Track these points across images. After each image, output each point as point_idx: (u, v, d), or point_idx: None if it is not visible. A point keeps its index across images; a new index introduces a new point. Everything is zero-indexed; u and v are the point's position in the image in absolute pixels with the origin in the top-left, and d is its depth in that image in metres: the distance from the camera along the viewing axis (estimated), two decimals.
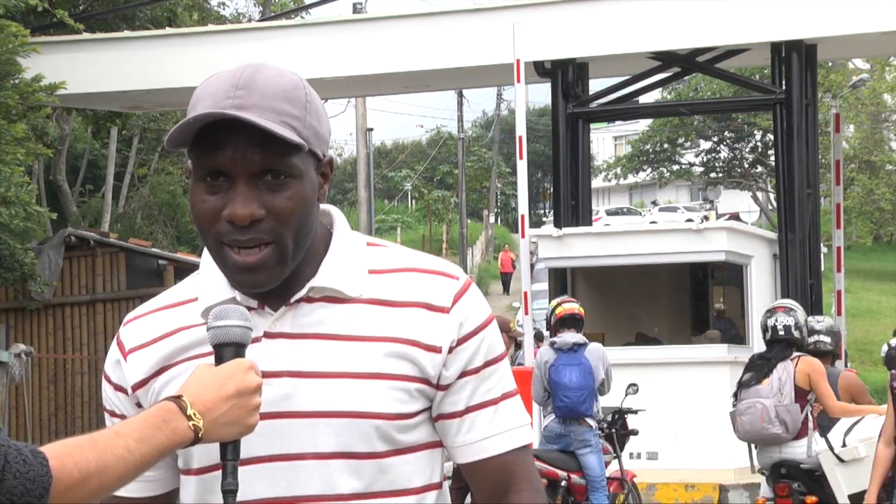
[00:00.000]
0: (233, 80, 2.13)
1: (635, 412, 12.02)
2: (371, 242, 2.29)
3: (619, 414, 12.03)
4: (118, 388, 2.30)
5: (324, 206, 2.26)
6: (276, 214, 2.11)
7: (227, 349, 2.06)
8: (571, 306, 11.66)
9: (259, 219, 2.11)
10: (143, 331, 2.29)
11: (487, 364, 2.24)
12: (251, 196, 2.10)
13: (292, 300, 2.19)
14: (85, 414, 19.06)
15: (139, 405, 2.28)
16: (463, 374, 2.22)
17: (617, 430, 11.96)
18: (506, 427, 2.26)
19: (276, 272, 2.14)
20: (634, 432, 12.22)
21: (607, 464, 11.68)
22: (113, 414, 2.33)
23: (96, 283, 19.11)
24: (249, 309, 2.19)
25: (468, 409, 2.24)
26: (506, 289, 44.41)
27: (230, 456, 2.04)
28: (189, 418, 1.99)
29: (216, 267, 2.20)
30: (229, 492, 2.02)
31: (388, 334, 2.18)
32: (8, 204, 16.12)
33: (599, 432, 11.56)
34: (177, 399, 2.01)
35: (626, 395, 11.97)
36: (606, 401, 11.93)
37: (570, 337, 11.43)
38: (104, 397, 2.34)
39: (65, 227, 22.06)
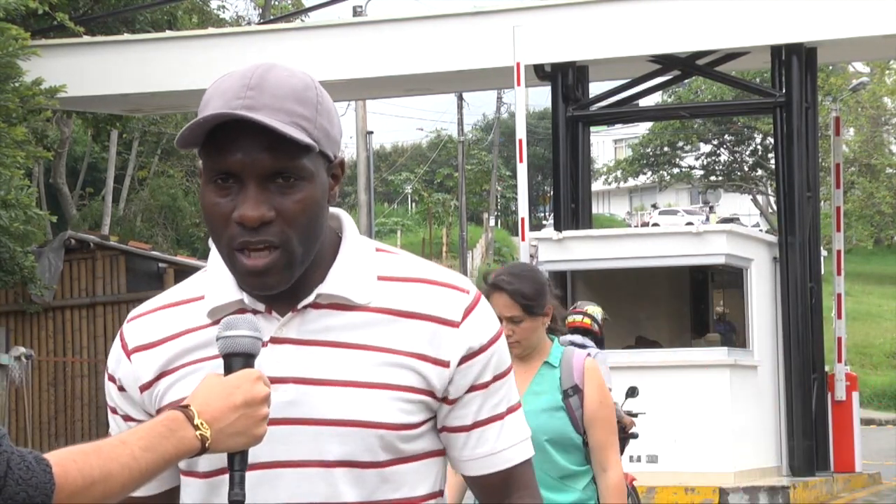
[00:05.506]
0: (243, 80, 2.11)
1: (635, 415, 12.00)
2: (380, 248, 2.27)
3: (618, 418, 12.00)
4: (121, 388, 2.28)
5: (332, 210, 2.24)
6: (286, 217, 2.09)
7: (236, 359, 2.06)
8: (573, 318, 11.67)
9: (269, 221, 2.09)
10: (147, 330, 2.26)
11: (496, 378, 2.23)
12: (261, 198, 2.09)
13: (300, 306, 2.17)
14: (85, 416, 19.06)
15: (143, 407, 2.27)
16: (472, 389, 2.21)
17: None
18: (512, 441, 2.26)
19: (286, 276, 2.12)
20: (634, 436, 12.19)
21: None
22: (115, 411, 2.32)
23: (96, 286, 19.11)
24: (256, 313, 2.18)
25: (476, 424, 2.23)
26: None
27: (237, 466, 2.03)
28: (196, 428, 1.98)
29: (225, 266, 2.18)
30: (237, 502, 2.02)
31: (395, 346, 2.17)
32: (8, 207, 16.13)
33: None
34: (184, 408, 2.00)
35: (626, 398, 11.97)
36: None
37: (570, 336, 11.48)
38: (107, 394, 2.32)
39: (65, 230, 22.06)
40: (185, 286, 2.29)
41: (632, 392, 11.99)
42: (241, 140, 2.09)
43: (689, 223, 49.36)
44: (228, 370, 2.06)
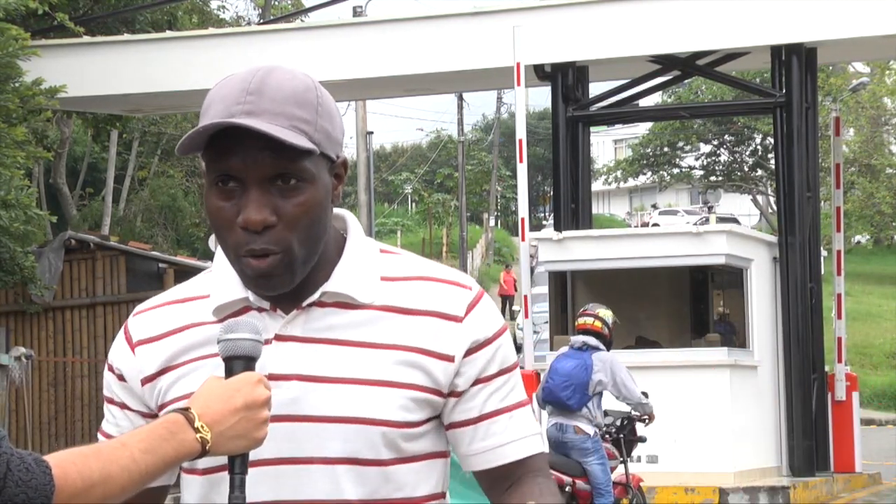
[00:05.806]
0: (244, 85, 2.13)
1: (644, 420, 12.04)
2: (384, 249, 2.29)
3: (629, 420, 12.06)
4: (121, 377, 2.30)
5: (338, 211, 2.27)
6: (288, 221, 2.12)
7: (237, 362, 2.07)
8: (584, 321, 11.73)
9: (272, 225, 2.12)
10: (152, 324, 2.29)
11: (501, 372, 2.25)
12: (264, 202, 2.11)
13: (304, 304, 2.20)
14: (85, 417, 19.05)
15: (142, 399, 2.28)
16: (477, 382, 2.23)
17: (625, 436, 12.01)
18: (521, 434, 2.27)
19: (288, 278, 2.15)
20: (643, 439, 12.27)
21: (613, 469, 11.71)
22: (111, 401, 2.33)
23: (96, 287, 19.10)
24: (261, 310, 2.21)
25: (482, 417, 2.24)
26: (509, 313, 40.78)
27: (238, 469, 2.04)
28: (196, 430, 1.99)
29: (230, 266, 2.20)
30: None
31: (399, 342, 2.19)
32: (8, 207, 16.11)
33: (600, 437, 11.58)
34: (184, 411, 2.01)
35: None
36: (617, 406, 11.98)
37: (583, 337, 11.57)
38: (105, 385, 2.34)
39: (65, 230, 22.05)
40: (191, 284, 2.32)
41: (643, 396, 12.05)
42: (241, 144, 2.11)
43: (689, 223, 49.41)
44: (229, 373, 2.07)
